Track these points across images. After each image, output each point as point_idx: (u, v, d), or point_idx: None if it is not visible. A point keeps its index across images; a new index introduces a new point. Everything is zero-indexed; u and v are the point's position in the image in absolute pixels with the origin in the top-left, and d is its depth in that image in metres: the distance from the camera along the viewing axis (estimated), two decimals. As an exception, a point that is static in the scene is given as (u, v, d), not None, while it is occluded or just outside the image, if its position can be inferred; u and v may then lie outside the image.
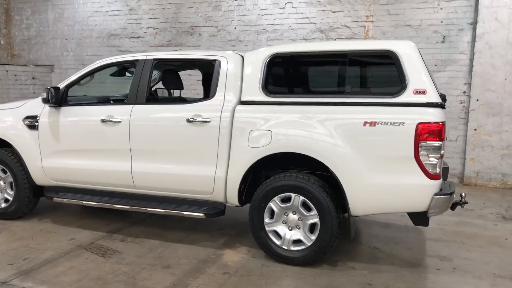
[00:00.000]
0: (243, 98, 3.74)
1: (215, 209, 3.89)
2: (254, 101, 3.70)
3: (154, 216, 4.82)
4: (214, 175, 3.76)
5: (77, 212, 5.00)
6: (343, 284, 3.30)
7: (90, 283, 3.26)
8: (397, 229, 4.60)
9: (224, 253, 3.86)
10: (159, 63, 4.32)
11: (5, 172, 4.61)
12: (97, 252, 3.85)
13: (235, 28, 8.08)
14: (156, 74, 4.91)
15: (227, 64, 3.85)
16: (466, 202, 3.80)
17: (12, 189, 4.58)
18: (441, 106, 3.27)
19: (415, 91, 3.27)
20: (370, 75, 4.07)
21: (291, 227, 3.63)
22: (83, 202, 4.29)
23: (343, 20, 7.48)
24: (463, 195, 3.78)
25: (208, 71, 4.47)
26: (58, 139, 4.32)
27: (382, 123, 3.27)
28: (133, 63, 4.29)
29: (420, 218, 3.43)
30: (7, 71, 8.76)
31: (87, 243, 4.06)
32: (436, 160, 3.19)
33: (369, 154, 3.32)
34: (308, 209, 3.52)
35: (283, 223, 3.65)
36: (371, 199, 3.36)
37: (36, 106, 4.44)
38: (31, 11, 9.60)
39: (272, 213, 3.65)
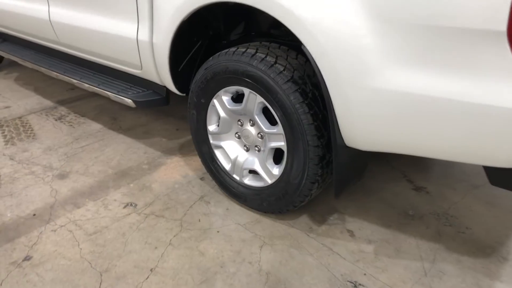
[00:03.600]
0: None
1: (152, 94, 2.39)
2: None
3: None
4: (136, 37, 2.17)
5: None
6: (299, 272, 1.71)
7: None
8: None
9: (165, 164, 2.46)
10: None
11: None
12: (9, 133, 2.78)
13: None
14: None
15: None
16: None
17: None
18: None
19: None
20: None
21: (247, 146, 2.01)
22: (17, 58, 3.12)
23: None
24: None
25: None
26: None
27: None
28: None
29: (503, 176, 1.49)
30: None
31: (14, 117, 3.01)
32: None
33: (391, 17, 1.34)
34: (274, 121, 1.81)
35: (236, 137, 2.04)
36: (389, 122, 1.48)
37: None
38: None
39: (219, 117, 2.03)
